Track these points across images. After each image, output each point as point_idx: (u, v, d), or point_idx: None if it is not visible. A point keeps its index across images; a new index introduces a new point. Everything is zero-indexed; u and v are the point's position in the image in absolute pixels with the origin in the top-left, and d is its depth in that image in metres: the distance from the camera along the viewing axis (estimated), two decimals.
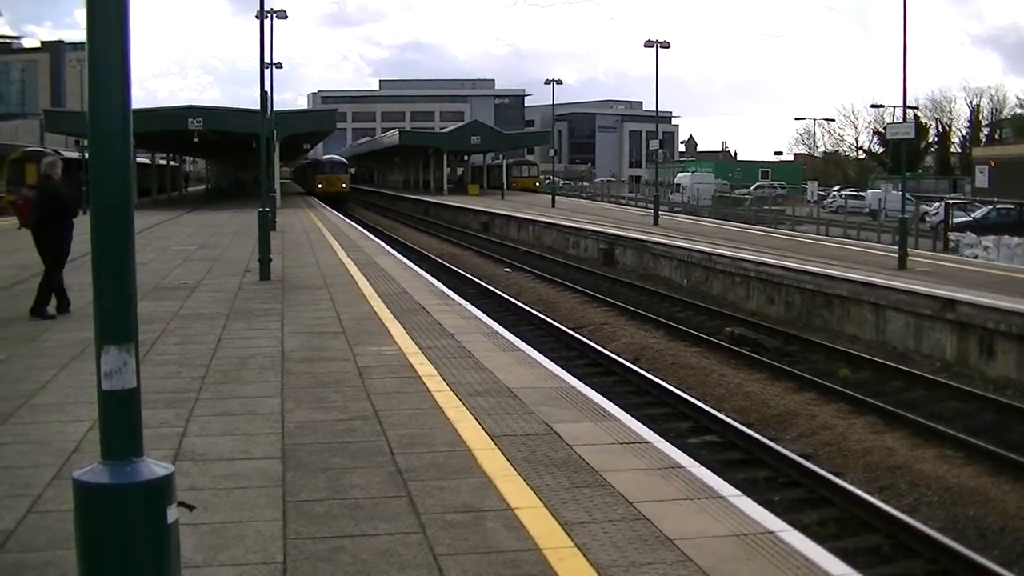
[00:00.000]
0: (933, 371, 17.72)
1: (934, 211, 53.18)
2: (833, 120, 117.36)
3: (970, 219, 47.28)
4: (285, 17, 43.64)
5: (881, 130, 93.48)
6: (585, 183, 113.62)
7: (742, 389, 16.35)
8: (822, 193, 73.11)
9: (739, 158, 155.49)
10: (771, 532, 6.15)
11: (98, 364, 3.68)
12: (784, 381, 16.76)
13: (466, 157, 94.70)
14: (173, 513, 3.75)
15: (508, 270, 34.40)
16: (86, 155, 50.48)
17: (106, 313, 3.71)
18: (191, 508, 4.18)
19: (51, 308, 15.48)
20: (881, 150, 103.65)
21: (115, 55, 3.69)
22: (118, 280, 3.73)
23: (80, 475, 3.71)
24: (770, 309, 24.71)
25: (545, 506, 6.54)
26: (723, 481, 7.23)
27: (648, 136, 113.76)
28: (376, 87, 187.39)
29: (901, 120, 35.27)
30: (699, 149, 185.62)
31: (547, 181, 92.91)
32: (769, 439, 13.04)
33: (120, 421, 3.72)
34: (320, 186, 76.82)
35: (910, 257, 28.47)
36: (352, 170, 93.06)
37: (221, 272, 21.75)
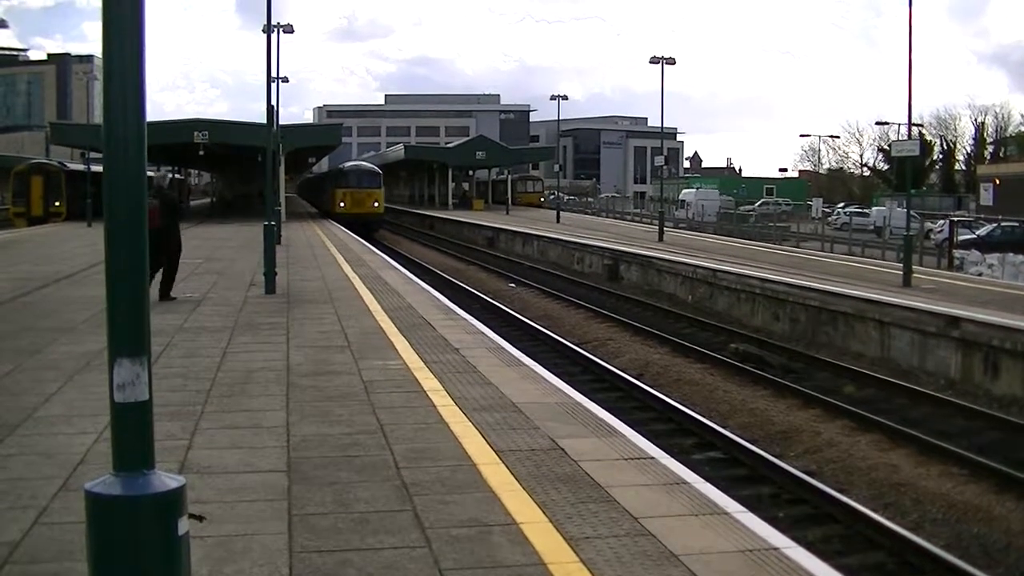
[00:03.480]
0: (938, 388, 17.71)
1: (939, 228, 53.27)
2: (838, 137, 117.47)
3: (975, 236, 47.36)
4: (292, 31, 43.74)
5: (886, 147, 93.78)
6: (590, 199, 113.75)
7: (747, 405, 16.36)
8: (827, 210, 73.31)
9: (744, 174, 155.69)
10: (776, 548, 6.15)
11: (111, 376, 3.69)
12: (789, 398, 16.76)
13: (471, 172, 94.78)
14: (184, 525, 3.77)
15: (513, 285, 34.42)
16: (91, 167, 50.99)
17: (119, 325, 3.72)
18: (201, 519, 4.19)
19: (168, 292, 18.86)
20: (886, 167, 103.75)
21: (131, 66, 3.71)
22: (132, 292, 3.74)
23: (92, 487, 3.71)
24: (775, 326, 24.70)
25: (550, 521, 6.54)
26: (728, 497, 7.23)
27: (653, 152, 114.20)
28: (382, 102, 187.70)
29: (906, 137, 35.31)
30: (704, 165, 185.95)
31: (552, 196, 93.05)
32: (774, 456, 13.04)
33: (132, 433, 3.73)
34: (342, 204, 58.43)
35: (915, 274, 28.44)
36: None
37: (226, 285, 21.78)
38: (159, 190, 20.01)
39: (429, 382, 11.10)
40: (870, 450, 13.69)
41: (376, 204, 59.32)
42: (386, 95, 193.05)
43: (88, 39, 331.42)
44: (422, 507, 6.81)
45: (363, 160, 78.83)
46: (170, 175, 22.14)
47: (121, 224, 3.74)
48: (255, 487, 7.25)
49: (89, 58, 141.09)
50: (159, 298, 18.43)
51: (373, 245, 37.19)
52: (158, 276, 18.75)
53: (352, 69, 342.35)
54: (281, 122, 41.23)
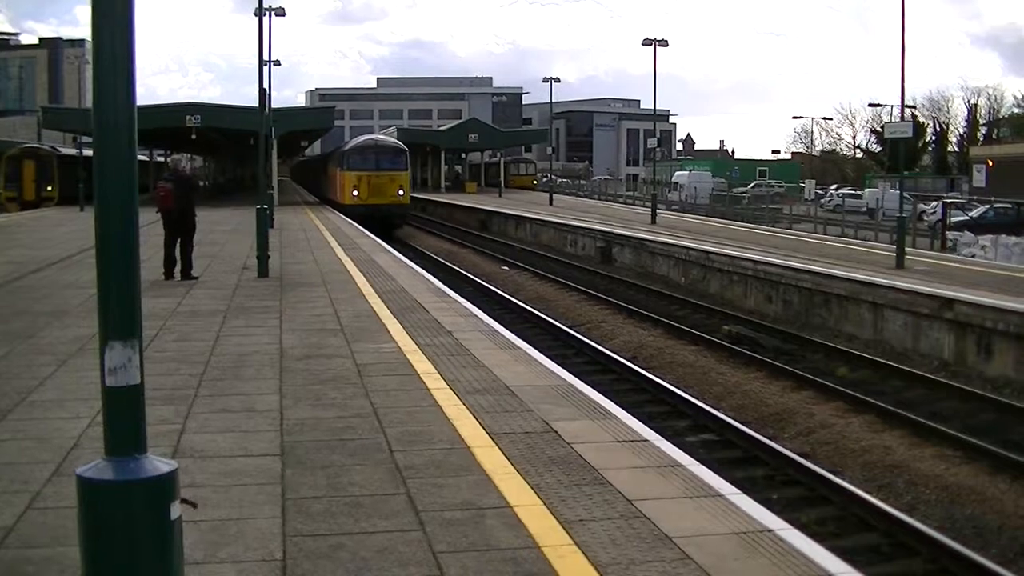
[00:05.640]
0: (931, 370, 17.73)
1: (932, 210, 53.24)
2: (831, 119, 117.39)
3: (968, 218, 47.34)
4: (284, 15, 43.65)
5: (879, 129, 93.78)
6: (583, 181, 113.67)
7: (740, 387, 16.37)
8: (819, 192, 73.20)
9: (737, 157, 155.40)
10: (770, 530, 6.15)
11: (102, 360, 3.68)
12: (782, 380, 16.77)
13: (464, 155, 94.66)
14: (176, 509, 3.76)
15: (506, 268, 34.40)
16: (84, 152, 50.80)
17: (110, 309, 3.71)
18: (194, 505, 4.18)
19: (177, 271, 19.43)
20: (879, 149, 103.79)
21: (121, 51, 3.69)
22: (123, 276, 3.73)
23: (84, 471, 3.70)
24: (768, 308, 24.72)
25: (544, 504, 6.54)
26: (722, 479, 7.24)
27: (646, 134, 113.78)
28: (375, 85, 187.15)
29: (899, 119, 35.29)
30: (697, 147, 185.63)
31: (544, 179, 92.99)
32: (767, 437, 13.06)
33: (124, 417, 3.72)
34: (356, 192, 45.38)
35: (908, 256, 28.47)
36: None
37: (219, 269, 21.73)
38: (174, 172, 20.60)
39: (422, 365, 11.09)
40: (864, 432, 13.71)
41: (401, 192, 45.83)
42: (378, 78, 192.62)
43: (80, 23, 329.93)
44: (416, 490, 6.80)
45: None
46: (184, 159, 23.09)
47: (112, 209, 3.73)
48: (249, 471, 7.24)
49: (81, 42, 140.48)
50: (181, 278, 19.15)
51: (365, 228, 36.67)
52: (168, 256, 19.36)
53: (345, 53, 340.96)
54: (274, 106, 41.10)
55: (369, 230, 35.30)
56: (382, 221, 41.85)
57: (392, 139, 53.52)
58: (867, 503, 10.44)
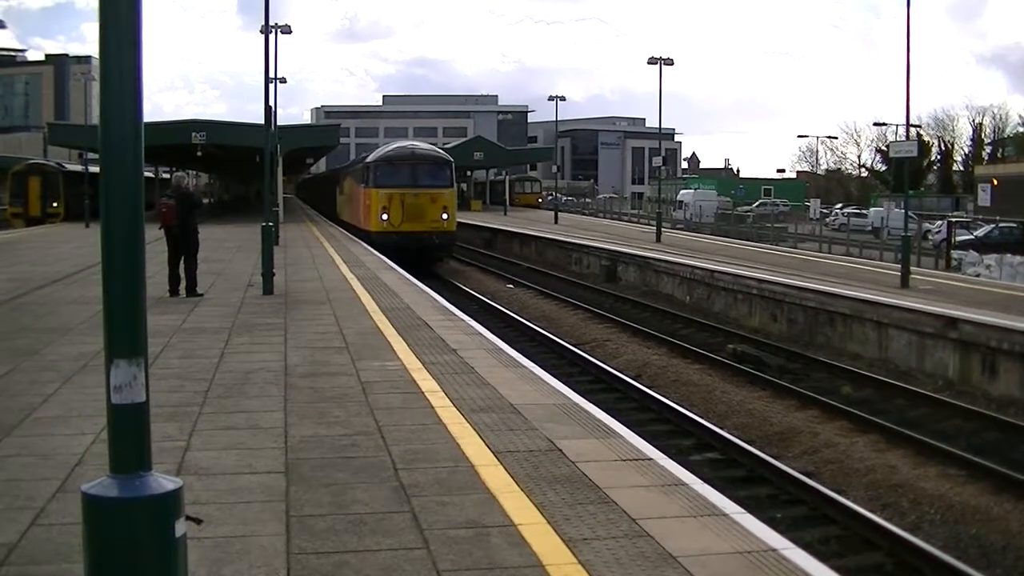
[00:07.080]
0: (935, 389, 17.70)
1: (936, 229, 53.29)
2: (836, 138, 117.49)
3: (972, 237, 47.35)
4: (290, 32, 43.71)
5: (884, 148, 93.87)
6: (588, 199, 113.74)
7: (744, 406, 16.35)
8: (824, 211, 73.30)
9: (742, 175, 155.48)
10: (774, 550, 6.14)
11: (107, 378, 3.69)
12: (786, 399, 16.76)
13: (469, 173, 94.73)
14: (181, 527, 3.76)
15: (511, 286, 34.38)
16: (89, 168, 50.87)
17: (116, 326, 3.72)
18: (199, 522, 4.18)
19: (182, 288, 19.60)
20: (883, 168, 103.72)
21: (128, 67, 3.71)
22: (128, 293, 3.74)
23: (89, 488, 3.71)
24: (772, 326, 24.70)
25: (548, 522, 6.53)
26: (726, 498, 7.23)
27: (651, 153, 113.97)
28: (380, 103, 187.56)
29: (904, 138, 35.30)
30: (702, 166, 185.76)
31: (550, 197, 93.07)
32: (771, 456, 13.04)
33: (129, 435, 3.73)
34: (385, 216, 35.64)
35: (912, 275, 28.41)
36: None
37: (224, 286, 21.75)
38: (176, 189, 20.88)
39: (427, 383, 11.09)
40: (868, 451, 13.69)
41: (445, 216, 36.25)
42: (384, 96, 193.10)
43: (87, 40, 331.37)
44: (420, 508, 6.80)
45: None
46: (187, 176, 23.24)
47: (118, 225, 3.74)
48: (253, 488, 7.24)
49: (87, 59, 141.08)
50: (186, 295, 19.35)
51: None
52: (174, 272, 19.49)
53: (351, 70, 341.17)
54: (279, 123, 41.08)
55: (401, 264, 28.08)
56: (420, 254, 34.11)
57: (430, 147, 41.60)
58: (871, 522, 10.43)
